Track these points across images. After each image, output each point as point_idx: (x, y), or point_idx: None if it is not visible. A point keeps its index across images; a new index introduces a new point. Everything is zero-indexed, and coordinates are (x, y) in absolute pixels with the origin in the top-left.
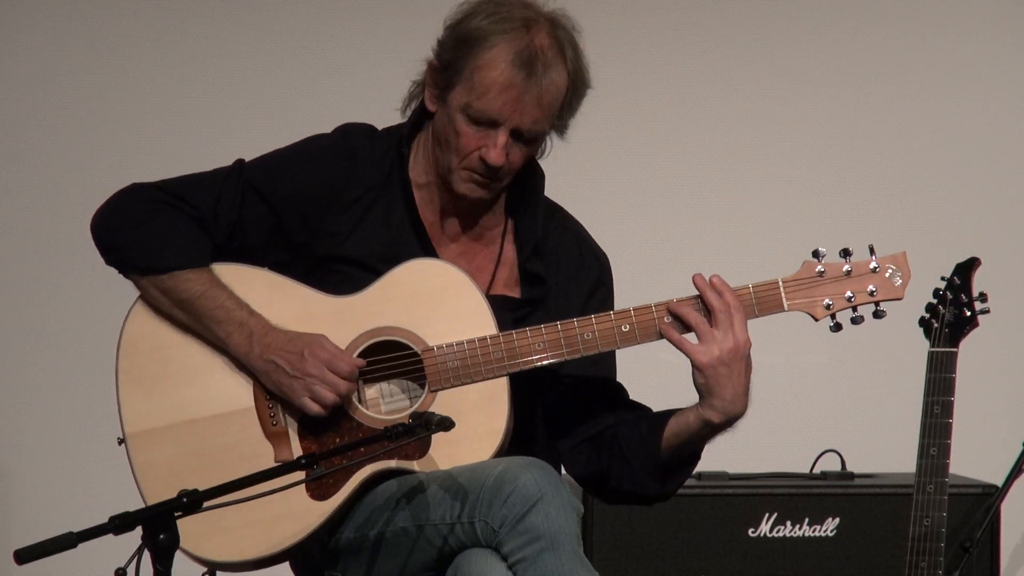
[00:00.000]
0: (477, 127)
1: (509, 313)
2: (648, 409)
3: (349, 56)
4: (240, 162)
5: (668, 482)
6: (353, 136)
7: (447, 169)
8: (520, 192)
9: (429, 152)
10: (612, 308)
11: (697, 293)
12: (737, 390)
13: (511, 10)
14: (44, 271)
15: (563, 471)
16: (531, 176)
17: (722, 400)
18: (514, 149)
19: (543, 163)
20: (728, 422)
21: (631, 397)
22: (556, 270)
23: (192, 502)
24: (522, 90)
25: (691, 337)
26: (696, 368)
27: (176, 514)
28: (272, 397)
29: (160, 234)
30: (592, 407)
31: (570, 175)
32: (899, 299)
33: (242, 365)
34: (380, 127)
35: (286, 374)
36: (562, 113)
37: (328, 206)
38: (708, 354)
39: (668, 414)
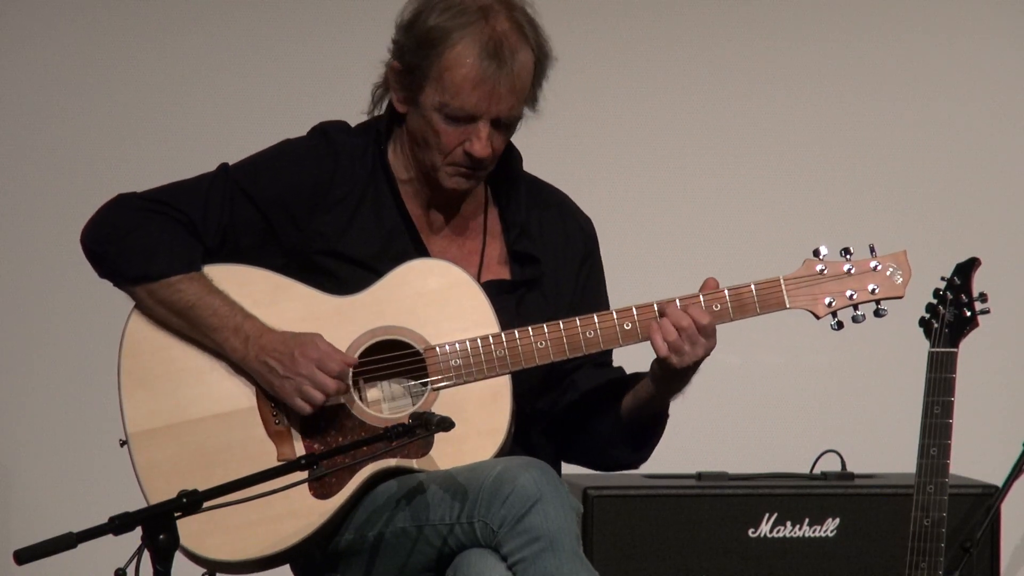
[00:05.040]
0: (456, 124)
1: (507, 296)
2: (617, 371)
3: (341, 59)
4: (224, 166)
5: (643, 449)
6: (332, 134)
7: (431, 167)
8: (499, 175)
9: (407, 149)
10: (600, 273)
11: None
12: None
13: (464, 1)
14: (44, 272)
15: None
16: (508, 158)
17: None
18: (495, 136)
19: (536, 143)
20: (685, 371)
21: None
22: (545, 249)
23: (192, 502)
24: (495, 81)
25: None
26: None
27: (176, 514)
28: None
29: (150, 241)
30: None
31: (572, 175)
32: (900, 297)
33: None
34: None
35: (277, 375)
36: (533, 90)
37: (315, 205)
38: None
39: (629, 382)
